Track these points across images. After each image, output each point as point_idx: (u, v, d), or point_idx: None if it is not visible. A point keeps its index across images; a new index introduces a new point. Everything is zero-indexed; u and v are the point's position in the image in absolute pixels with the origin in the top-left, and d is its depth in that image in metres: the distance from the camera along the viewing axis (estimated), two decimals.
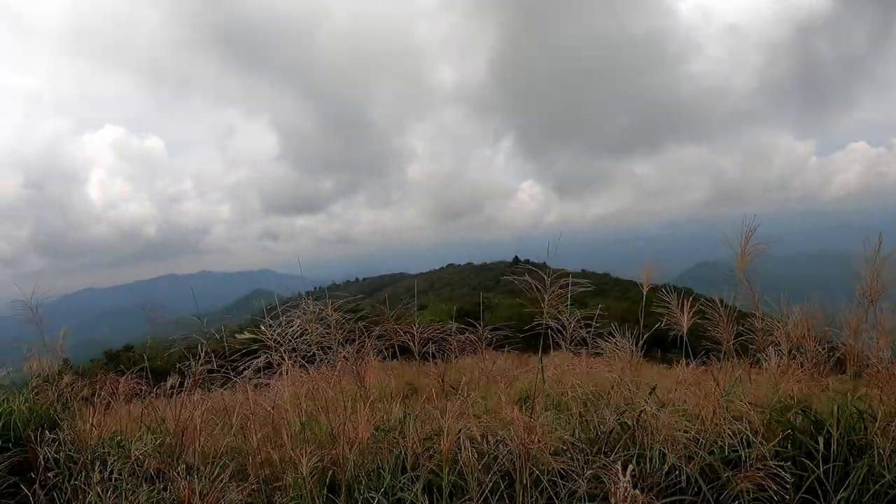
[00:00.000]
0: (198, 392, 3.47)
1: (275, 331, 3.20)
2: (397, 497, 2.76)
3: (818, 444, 2.87)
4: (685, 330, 3.45)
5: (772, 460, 2.60)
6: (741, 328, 3.60)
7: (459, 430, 2.59)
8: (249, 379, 3.29)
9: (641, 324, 3.66)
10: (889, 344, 3.27)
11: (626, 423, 2.86)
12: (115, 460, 3.43)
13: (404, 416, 3.28)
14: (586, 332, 3.22)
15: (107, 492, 3.09)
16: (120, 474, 3.28)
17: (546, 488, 2.48)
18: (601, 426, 2.91)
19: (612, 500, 2.02)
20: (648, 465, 2.53)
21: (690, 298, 3.52)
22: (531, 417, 2.81)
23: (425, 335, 3.72)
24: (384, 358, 3.92)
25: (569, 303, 3.07)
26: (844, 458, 2.87)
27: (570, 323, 3.08)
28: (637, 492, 2.01)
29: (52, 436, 3.80)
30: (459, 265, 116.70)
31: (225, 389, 3.91)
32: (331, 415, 3.01)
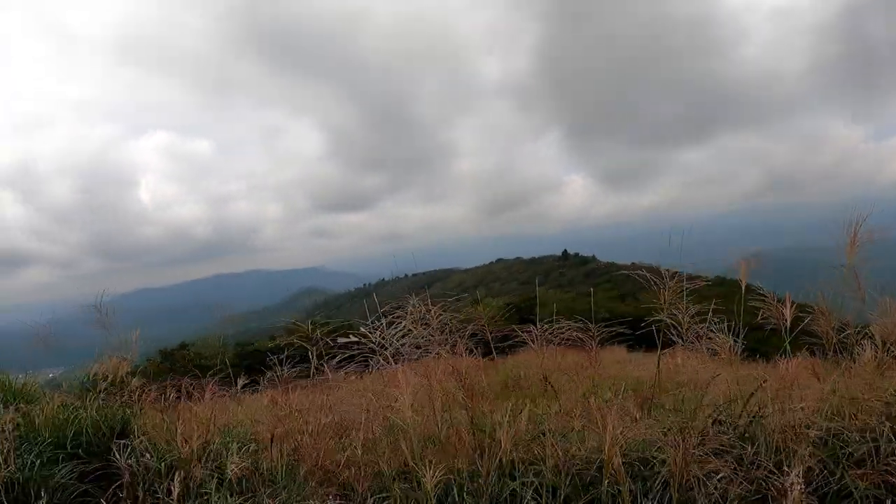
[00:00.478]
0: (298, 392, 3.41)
1: (377, 333, 3.15)
2: None
3: None
4: (789, 324, 3.37)
5: None
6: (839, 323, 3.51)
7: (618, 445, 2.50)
8: (351, 379, 3.24)
9: (740, 320, 3.57)
10: None
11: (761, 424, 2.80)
12: (203, 469, 3.31)
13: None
14: (700, 329, 3.15)
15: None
16: (203, 485, 3.14)
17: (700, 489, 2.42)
18: (746, 428, 2.84)
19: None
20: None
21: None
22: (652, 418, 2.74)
23: (501, 332, 3.65)
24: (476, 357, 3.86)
25: (685, 299, 3.00)
26: None
27: (684, 320, 3.01)
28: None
29: (124, 442, 3.64)
30: (508, 260, 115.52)
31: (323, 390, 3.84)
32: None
